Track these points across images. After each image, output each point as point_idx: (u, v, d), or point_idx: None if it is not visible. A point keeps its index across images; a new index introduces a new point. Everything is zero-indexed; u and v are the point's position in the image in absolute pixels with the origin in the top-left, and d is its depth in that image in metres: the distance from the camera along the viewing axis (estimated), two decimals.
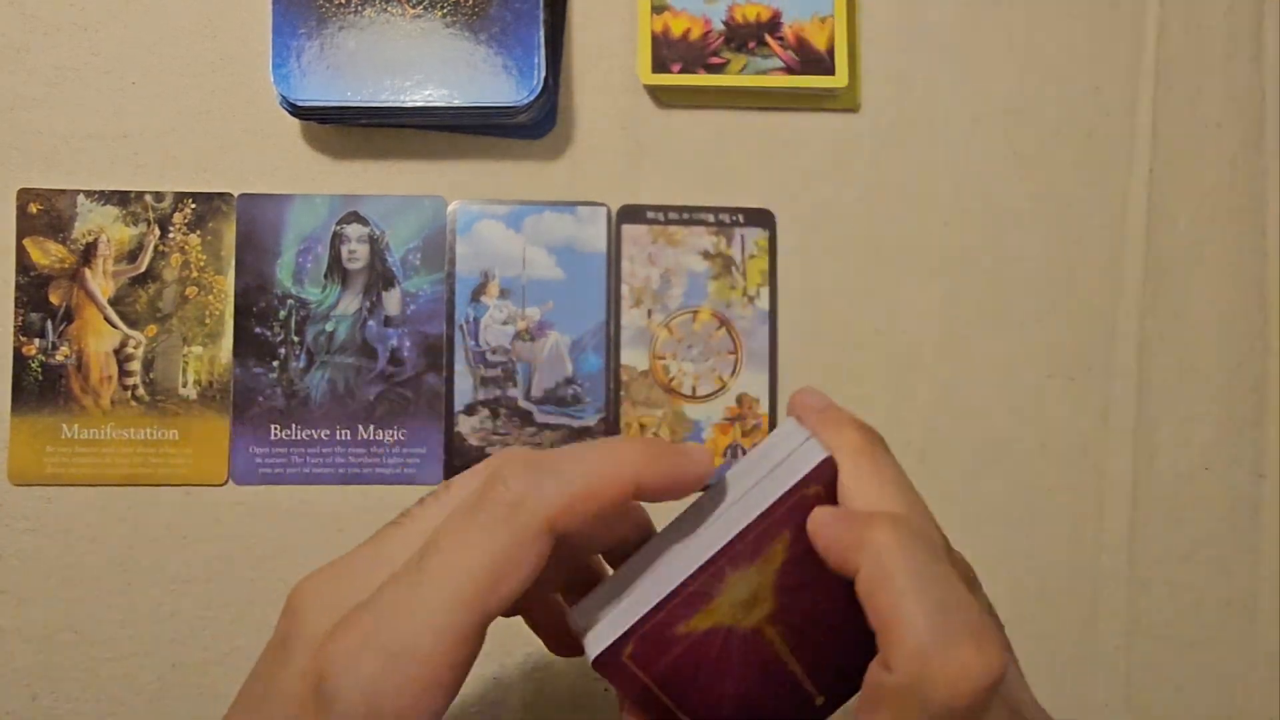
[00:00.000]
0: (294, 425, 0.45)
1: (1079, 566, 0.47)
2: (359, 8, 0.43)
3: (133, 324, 0.45)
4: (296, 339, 0.45)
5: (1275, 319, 0.48)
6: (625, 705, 0.27)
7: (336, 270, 0.46)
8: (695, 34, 0.46)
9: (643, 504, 0.29)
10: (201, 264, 0.45)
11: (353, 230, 0.46)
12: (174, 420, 0.45)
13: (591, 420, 0.46)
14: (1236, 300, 0.48)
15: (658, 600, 0.25)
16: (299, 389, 0.45)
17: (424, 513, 0.25)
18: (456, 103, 0.43)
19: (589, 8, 0.47)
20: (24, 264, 0.45)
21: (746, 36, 0.46)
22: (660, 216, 0.47)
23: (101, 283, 0.45)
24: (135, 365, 0.45)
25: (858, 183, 0.47)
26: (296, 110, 0.44)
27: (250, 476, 0.45)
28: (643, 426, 0.46)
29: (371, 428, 0.45)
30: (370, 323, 0.46)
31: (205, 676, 0.44)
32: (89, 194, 0.45)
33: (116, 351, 0.45)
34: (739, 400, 0.46)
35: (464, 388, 0.46)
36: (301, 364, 0.45)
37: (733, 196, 0.47)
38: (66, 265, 0.45)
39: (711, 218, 0.47)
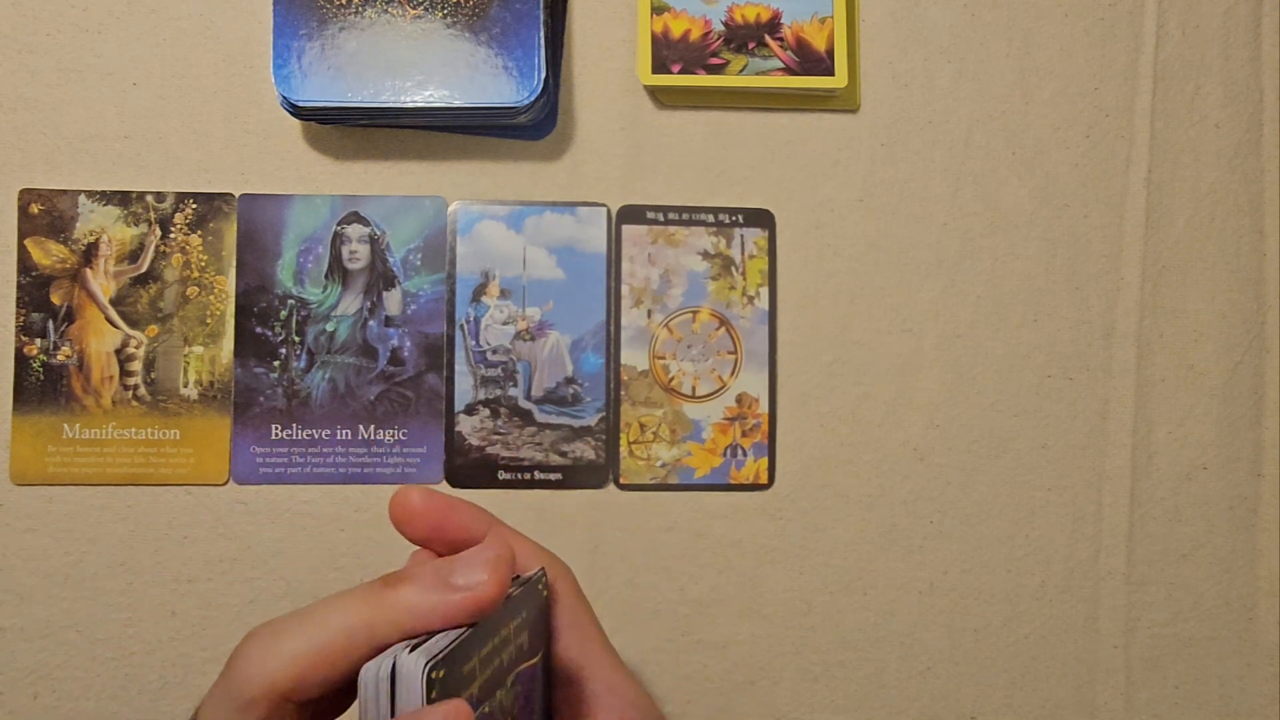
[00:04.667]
0: (295, 425, 0.45)
1: (1078, 566, 0.47)
2: (360, 9, 0.44)
3: (134, 324, 0.45)
4: (297, 339, 0.45)
5: (1273, 319, 0.48)
6: None
7: (337, 270, 0.46)
8: (695, 35, 0.46)
9: None
10: (202, 264, 0.45)
11: (353, 230, 0.46)
12: (175, 420, 0.45)
13: (591, 420, 0.46)
14: (1234, 300, 0.48)
15: None
16: (300, 389, 0.45)
17: None
18: (457, 103, 0.43)
19: (589, 8, 0.47)
20: (25, 264, 0.45)
21: (746, 37, 0.46)
22: (660, 217, 0.47)
23: (103, 283, 0.45)
24: (136, 365, 0.45)
25: (857, 183, 0.48)
26: (297, 111, 0.44)
27: (251, 476, 0.45)
28: (643, 426, 0.46)
29: (372, 427, 0.45)
30: (371, 323, 0.46)
31: (206, 676, 0.44)
32: (90, 194, 0.45)
33: (118, 351, 0.45)
34: (739, 400, 0.47)
35: (464, 387, 0.46)
36: (302, 364, 0.45)
37: (733, 196, 0.47)
38: (68, 265, 0.45)
39: (711, 218, 0.47)
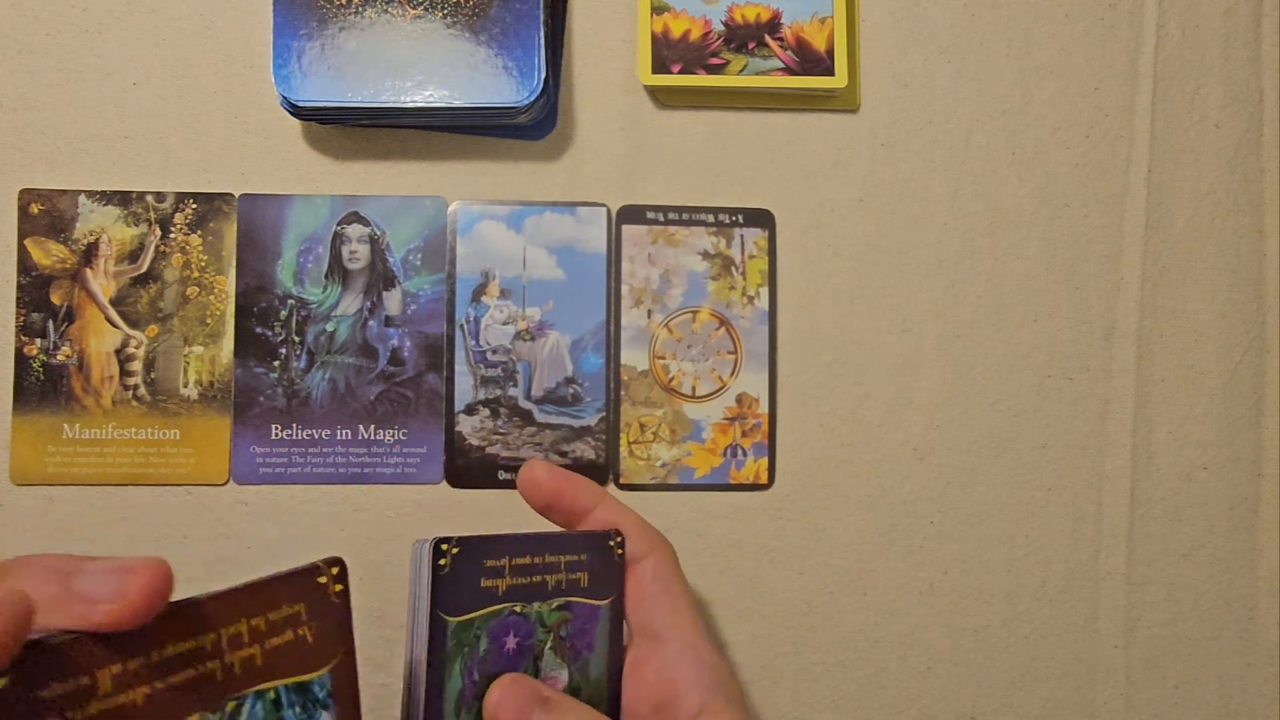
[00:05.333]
0: (295, 425, 0.45)
1: (1078, 566, 0.47)
2: (360, 8, 0.44)
3: (134, 324, 0.45)
4: (297, 339, 0.45)
5: (1273, 319, 0.48)
6: None
7: (337, 270, 0.46)
8: (695, 35, 0.46)
9: None
10: (203, 264, 0.45)
11: (353, 230, 0.46)
12: (175, 420, 0.45)
13: (591, 420, 0.46)
14: (1235, 300, 0.48)
15: None
16: (300, 389, 0.45)
17: None
18: (457, 103, 0.43)
19: (589, 8, 0.47)
20: (25, 264, 0.45)
21: (746, 37, 0.46)
22: (660, 216, 0.47)
23: (103, 283, 0.45)
24: (136, 365, 0.45)
25: (858, 183, 0.48)
26: (297, 111, 0.44)
27: (251, 476, 0.45)
28: (643, 426, 0.46)
29: (372, 428, 0.45)
30: (371, 323, 0.46)
31: None
32: (90, 194, 0.45)
33: (118, 351, 0.45)
34: (739, 400, 0.47)
35: (464, 387, 0.46)
36: (302, 364, 0.45)
37: (733, 196, 0.47)
38: (68, 265, 0.45)
39: (711, 218, 0.47)
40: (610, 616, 0.33)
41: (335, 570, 0.26)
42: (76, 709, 0.19)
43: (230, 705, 0.22)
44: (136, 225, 0.45)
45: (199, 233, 0.46)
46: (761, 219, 0.47)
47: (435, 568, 0.29)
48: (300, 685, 0.24)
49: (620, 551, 0.34)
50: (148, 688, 0.21)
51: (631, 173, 0.47)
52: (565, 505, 0.35)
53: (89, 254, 0.45)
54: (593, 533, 0.33)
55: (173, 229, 0.45)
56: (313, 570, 0.25)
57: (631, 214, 0.47)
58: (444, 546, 0.29)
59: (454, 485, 0.45)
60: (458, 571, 0.29)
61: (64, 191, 0.45)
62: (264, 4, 0.45)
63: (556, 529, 0.33)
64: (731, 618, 0.46)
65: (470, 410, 0.46)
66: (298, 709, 0.23)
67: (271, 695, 0.23)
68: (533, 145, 0.47)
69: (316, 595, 0.25)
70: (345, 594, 0.26)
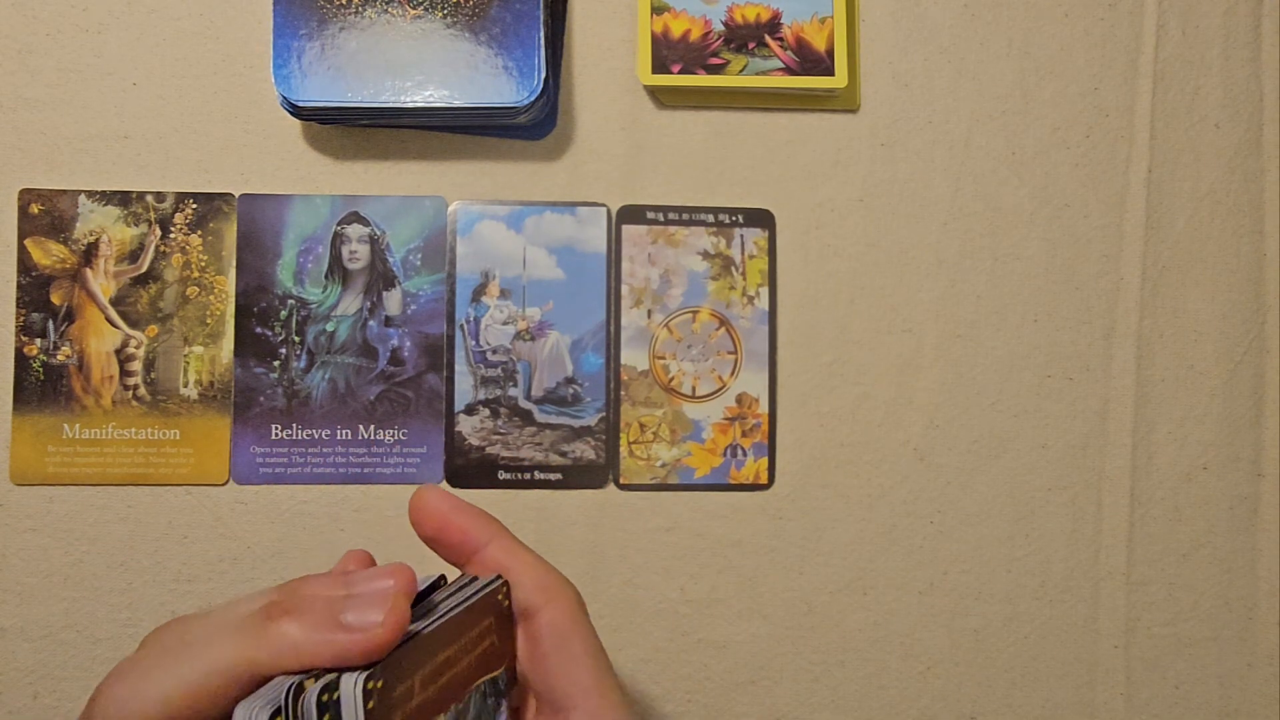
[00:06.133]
0: (295, 425, 0.45)
1: (1078, 566, 0.47)
2: (360, 9, 0.44)
3: (134, 324, 0.45)
4: (297, 339, 0.45)
5: (1273, 319, 0.48)
6: None
7: (337, 270, 0.46)
8: (695, 35, 0.46)
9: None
10: (203, 264, 0.45)
11: (353, 230, 0.46)
12: (175, 420, 0.45)
13: (591, 420, 0.46)
14: (1235, 300, 0.48)
15: None
16: (300, 389, 0.45)
17: None
18: (457, 103, 0.43)
19: (589, 8, 0.47)
20: (25, 264, 0.45)
21: (746, 37, 0.46)
22: (660, 217, 0.47)
23: (103, 283, 0.45)
24: (136, 365, 0.45)
25: (857, 183, 0.48)
26: (297, 111, 0.44)
27: (251, 476, 0.45)
28: (643, 426, 0.46)
29: (372, 428, 0.45)
30: (371, 323, 0.46)
31: None
32: (90, 194, 0.45)
33: (118, 351, 0.45)
34: (739, 400, 0.47)
35: (464, 387, 0.46)
36: (302, 364, 0.45)
37: (733, 196, 0.47)
38: (68, 265, 0.45)
39: (711, 218, 0.47)
40: (506, 682, 0.29)
41: (505, 589, 0.29)
42: (407, 703, 0.24)
43: (466, 697, 0.27)
44: (136, 225, 0.45)
45: (199, 233, 0.46)
46: (761, 219, 0.47)
47: (366, 714, 0.23)
48: (493, 680, 0.28)
49: (507, 603, 0.29)
50: (435, 687, 0.25)
51: (631, 173, 0.47)
52: (452, 539, 0.30)
53: (89, 254, 0.45)
54: (484, 588, 0.28)
55: (173, 229, 0.45)
56: (495, 590, 0.29)
57: (631, 214, 0.47)
58: (370, 684, 0.23)
59: (454, 485, 0.46)
60: (381, 711, 0.23)
61: (64, 191, 0.45)
62: (264, 4, 0.45)
63: (459, 597, 0.28)
64: (731, 618, 0.46)
65: (470, 410, 0.46)
66: (491, 699, 0.28)
67: (481, 688, 0.28)
68: (533, 145, 0.47)
69: (498, 609, 0.29)
70: (510, 607, 0.29)
